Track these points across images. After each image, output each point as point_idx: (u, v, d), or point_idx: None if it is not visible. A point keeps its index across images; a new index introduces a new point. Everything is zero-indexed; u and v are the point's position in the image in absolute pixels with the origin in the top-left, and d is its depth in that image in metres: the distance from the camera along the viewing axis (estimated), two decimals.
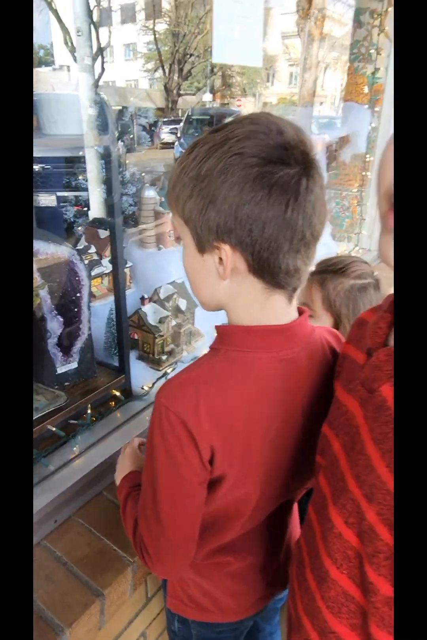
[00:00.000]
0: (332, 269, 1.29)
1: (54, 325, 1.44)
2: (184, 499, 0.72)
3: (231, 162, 0.61)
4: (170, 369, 1.73)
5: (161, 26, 23.71)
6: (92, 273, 1.76)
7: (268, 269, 0.66)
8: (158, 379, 1.71)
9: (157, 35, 23.34)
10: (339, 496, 0.60)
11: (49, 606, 1.05)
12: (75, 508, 1.31)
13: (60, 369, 1.51)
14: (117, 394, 1.60)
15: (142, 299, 1.71)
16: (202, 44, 22.66)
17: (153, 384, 1.68)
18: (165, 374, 1.72)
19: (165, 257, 2.00)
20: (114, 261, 1.45)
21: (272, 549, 0.95)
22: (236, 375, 0.70)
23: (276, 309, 0.70)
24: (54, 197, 5.21)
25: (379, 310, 0.65)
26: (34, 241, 1.35)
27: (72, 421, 1.44)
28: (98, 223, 1.79)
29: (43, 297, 1.38)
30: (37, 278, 1.32)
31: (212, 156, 0.63)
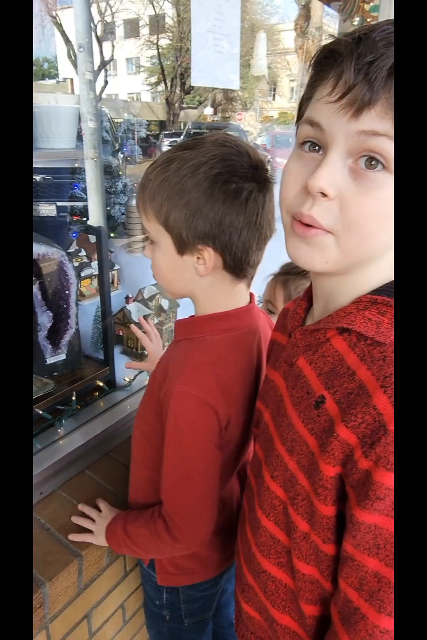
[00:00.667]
0: (294, 272, 1.44)
1: (44, 319, 1.58)
2: (213, 466, 0.84)
3: (215, 180, 0.75)
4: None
5: (164, 41, 24.07)
6: (82, 274, 1.92)
7: (239, 265, 0.82)
8: (140, 371, 1.85)
9: (160, 50, 23.68)
10: (269, 455, 0.74)
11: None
12: (59, 483, 1.44)
13: (50, 360, 1.65)
14: (102, 384, 1.74)
15: (127, 298, 1.86)
16: None
17: (135, 376, 1.83)
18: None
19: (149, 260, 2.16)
20: (99, 263, 1.60)
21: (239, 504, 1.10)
22: (231, 352, 0.85)
23: (240, 295, 0.88)
24: (53, 207, 5.37)
25: (297, 299, 0.80)
26: None
27: (58, 407, 1.58)
28: (89, 229, 1.95)
29: (34, 293, 1.53)
30: None
31: (196, 173, 0.76)
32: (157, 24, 24.20)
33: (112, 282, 2.14)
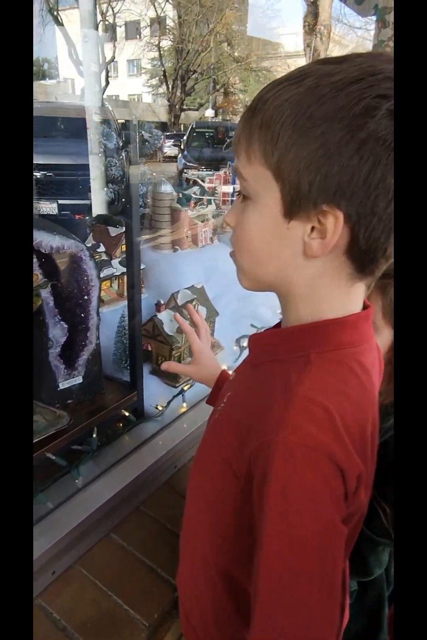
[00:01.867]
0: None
1: (57, 333, 1.22)
2: (338, 551, 0.50)
3: (373, 104, 0.44)
4: (188, 385, 1.51)
5: (165, 43, 23.94)
6: (101, 275, 1.55)
7: (372, 252, 0.50)
8: (174, 396, 1.49)
9: (161, 52, 23.55)
10: None
11: None
12: (77, 555, 1.08)
13: (63, 384, 1.29)
14: (128, 414, 1.38)
15: (158, 305, 1.50)
16: (205, 61, 22.87)
17: (168, 402, 1.46)
18: (182, 391, 1.50)
19: (181, 259, 1.79)
20: (129, 259, 1.24)
21: None
22: (353, 379, 0.54)
23: (355, 301, 0.57)
24: (55, 205, 5.04)
25: None
26: (36, 232, 1.14)
27: (75, 447, 1.22)
28: (108, 220, 1.59)
29: (45, 298, 1.16)
30: (38, 275, 1.11)
31: (344, 92, 0.46)
32: (158, 25, 24.11)
33: None
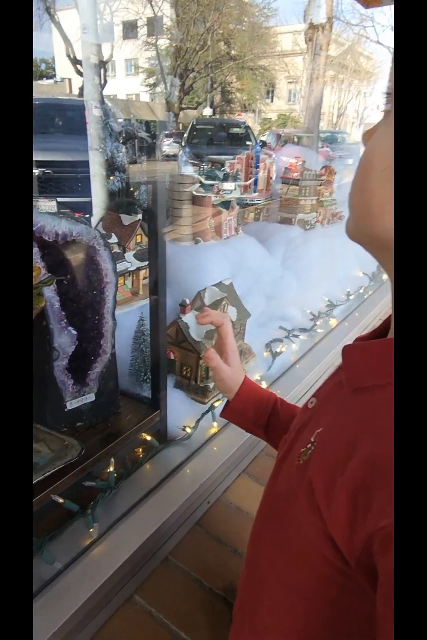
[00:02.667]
0: None
1: (64, 341, 0.98)
2: None
3: None
4: (218, 400, 1.27)
5: (162, 42, 23.76)
6: None
7: None
8: (203, 414, 1.25)
9: (159, 51, 23.41)
10: None
11: None
12: (93, 630, 0.84)
13: (71, 404, 1.05)
14: (149, 438, 1.14)
15: (183, 305, 1.25)
16: (203, 60, 22.70)
17: (197, 422, 1.22)
18: (211, 408, 1.26)
19: (204, 252, 1.55)
20: (152, 248, 1.00)
21: None
22: None
23: None
24: (54, 203, 4.84)
25: None
26: (38, 215, 0.90)
27: (87, 483, 0.97)
28: (125, 207, 1.35)
29: (49, 299, 0.92)
30: (40, 268, 0.87)
31: None
32: (155, 24, 23.99)
33: None
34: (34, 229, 0.86)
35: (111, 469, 1.00)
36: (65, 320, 0.97)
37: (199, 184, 1.59)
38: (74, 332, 0.99)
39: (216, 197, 1.62)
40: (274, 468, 0.57)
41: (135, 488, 1.04)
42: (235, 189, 1.71)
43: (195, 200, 1.55)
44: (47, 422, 1.02)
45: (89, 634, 0.83)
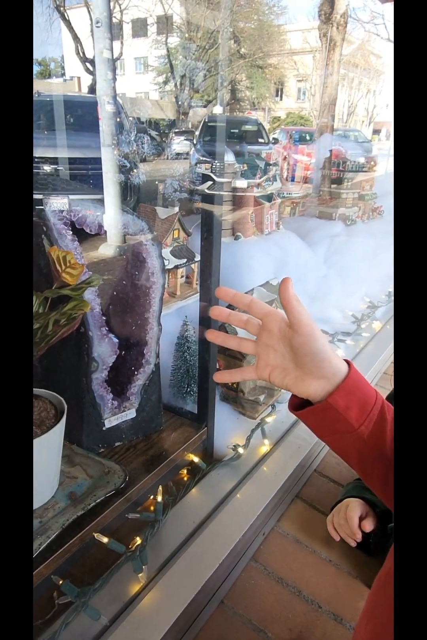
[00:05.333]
0: None
1: (104, 350, 0.85)
2: None
3: None
4: (270, 415, 1.13)
5: (172, 40, 23.73)
6: None
7: None
8: (253, 431, 1.11)
9: (168, 49, 23.41)
10: None
11: None
12: None
13: (110, 421, 0.92)
14: (196, 460, 1.00)
15: (230, 308, 1.12)
16: (212, 58, 22.62)
17: (248, 439, 1.08)
18: (261, 423, 1.12)
19: (245, 249, 1.41)
20: (206, 240, 0.87)
21: None
22: None
23: None
24: (65, 201, 4.78)
25: None
26: (78, 201, 0.77)
27: (131, 515, 0.84)
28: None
29: (90, 302, 0.79)
30: (83, 265, 0.74)
31: None
32: (165, 22, 24.01)
33: (190, 282, 1.38)
34: (75, 219, 0.73)
35: (160, 499, 0.86)
36: (106, 327, 0.84)
37: (239, 175, 1.44)
38: (116, 340, 0.86)
39: (258, 189, 1.48)
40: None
41: (183, 519, 0.90)
42: (277, 180, 1.57)
43: (237, 192, 1.42)
44: (83, 443, 0.89)
45: None
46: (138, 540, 0.81)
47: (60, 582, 0.71)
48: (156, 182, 2.41)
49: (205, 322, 0.94)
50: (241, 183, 1.42)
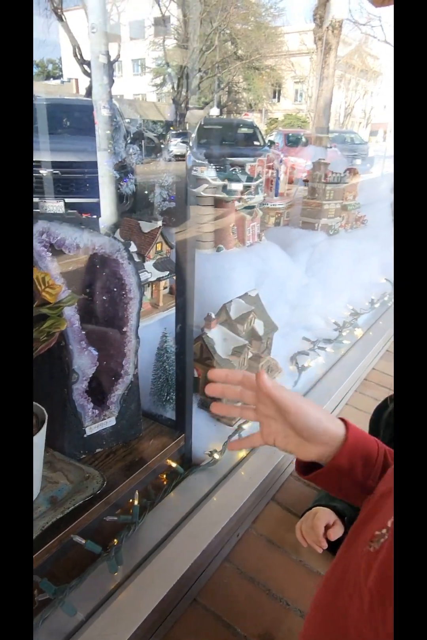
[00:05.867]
0: None
1: (84, 363, 0.90)
2: None
3: None
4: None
5: (170, 42, 23.76)
6: None
7: None
8: (230, 437, 1.16)
9: (166, 51, 23.44)
10: None
11: None
12: None
13: (91, 429, 0.97)
14: (174, 465, 1.06)
15: (208, 319, 1.17)
16: (209, 60, 22.67)
17: (224, 445, 1.14)
18: (239, 430, 1.17)
19: (227, 260, 1.47)
20: (180, 257, 0.92)
21: None
22: None
23: None
24: (61, 204, 4.80)
25: None
26: (57, 226, 0.82)
27: (109, 518, 0.89)
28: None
29: (69, 317, 0.84)
30: (61, 286, 0.79)
31: None
32: (163, 24, 24.04)
33: (173, 294, 1.44)
34: (54, 242, 0.78)
35: (136, 503, 0.91)
36: (85, 341, 0.89)
37: (222, 189, 1.50)
38: (95, 353, 0.91)
39: (239, 202, 1.53)
40: (345, 541, 0.47)
41: (159, 522, 0.95)
42: (259, 193, 1.63)
43: (218, 206, 1.47)
44: (65, 449, 0.94)
45: None
46: (114, 542, 0.86)
47: (40, 580, 0.76)
48: (145, 192, 2.46)
49: (181, 332, 0.99)
50: (237, 186, 1.47)
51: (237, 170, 1.60)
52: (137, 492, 0.93)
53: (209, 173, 1.43)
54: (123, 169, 2.52)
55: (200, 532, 0.95)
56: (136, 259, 1.31)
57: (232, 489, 1.07)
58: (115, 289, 0.91)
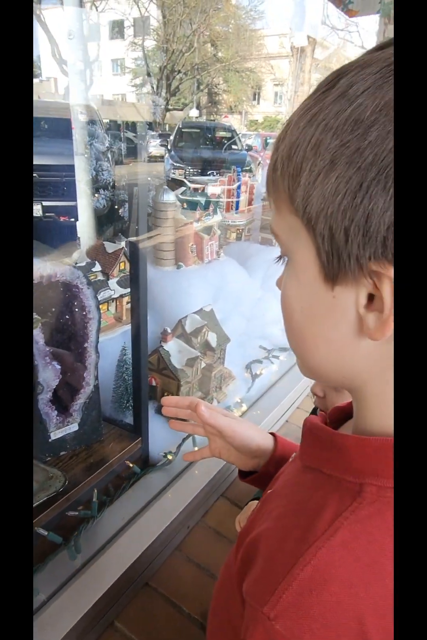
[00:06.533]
0: None
1: (48, 376, 1.01)
2: None
3: None
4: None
5: (149, 43, 23.74)
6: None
7: None
8: (184, 440, 1.29)
9: (145, 52, 23.40)
10: None
11: None
12: None
13: (55, 434, 1.08)
14: (131, 465, 1.18)
15: (164, 334, 1.30)
16: (188, 61, 22.73)
17: (178, 447, 1.26)
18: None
19: (186, 277, 1.59)
20: (134, 278, 1.05)
21: None
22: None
23: None
24: (39, 207, 4.83)
25: None
26: None
27: (70, 513, 1.01)
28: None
29: (34, 336, 0.96)
30: None
31: (390, 82, 0.30)
32: (142, 25, 23.98)
33: None
34: None
35: (95, 500, 1.03)
36: (48, 357, 1.01)
37: (180, 211, 1.63)
38: (58, 367, 1.03)
39: (198, 223, 1.66)
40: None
41: (117, 516, 1.08)
42: (217, 213, 1.76)
43: (177, 226, 1.60)
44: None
45: None
46: (74, 533, 0.98)
47: None
48: (115, 206, 2.57)
49: (136, 344, 1.11)
50: (180, 218, 1.60)
51: (197, 192, 1.72)
52: (95, 490, 1.04)
53: (168, 196, 1.55)
54: (95, 184, 2.61)
55: (153, 524, 1.07)
56: (101, 277, 1.43)
57: (184, 486, 1.20)
58: (76, 311, 1.03)
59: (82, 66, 3.37)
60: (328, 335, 0.36)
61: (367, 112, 0.30)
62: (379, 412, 0.37)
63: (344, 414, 0.48)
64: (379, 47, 0.34)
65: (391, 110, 0.29)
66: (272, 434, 0.65)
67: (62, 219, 4.18)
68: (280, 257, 0.42)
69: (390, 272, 0.29)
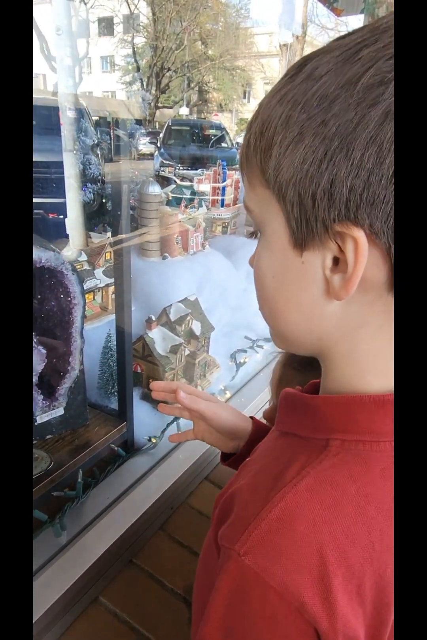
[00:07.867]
0: None
1: (34, 360, 1.04)
2: None
3: (388, 68, 0.32)
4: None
5: (139, 40, 23.67)
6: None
7: None
8: (168, 425, 1.32)
9: (135, 49, 23.31)
10: None
11: None
12: (61, 630, 0.90)
13: (41, 418, 1.11)
14: (116, 448, 1.21)
15: (149, 321, 1.33)
16: (179, 59, 22.71)
17: (162, 432, 1.30)
18: (177, 418, 1.33)
19: (171, 268, 1.62)
20: (118, 268, 1.07)
21: None
22: (370, 491, 0.37)
23: None
24: None
25: None
26: None
27: (56, 493, 1.04)
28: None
29: None
30: None
31: (350, 62, 0.34)
32: (132, 22, 23.90)
33: None
34: None
35: (79, 480, 1.06)
36: (35, 340, 1.03)
37: (166, 202, 1.66)
38: (44, 351, 1.05)
39: (183, 215, 1.69)
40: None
41: (102, 496, 1.10)
42: (202, 206, 1.79)
43: (162, 219, 1.63)
44: None
45: (57, 635, 0.89)
46: (59, 513, 1.01)
47: None
48: (103, 200, 2.58)
49: (120, 331, 1.14)
50: (165, 210, 1.63)
51: (183, 184, 1.75)
52: (80, 471, 1.07)
53: (154, 188, 1.58)
54: (83, 178, 2.63)
55: (137, 504, 1.10)
56: (87, 267, 1.46)
57: (168, 469, 1.23)
58: (61, 296, 1.05)
59: (70, 62, 3.38)
60: (299, 299, 0.39)
61: (331, 88, 0.34)
62: (345, 373, 0.40)
63: (319, 387, 0.53)
64: (341, 37, 0.38)
65: (351, 85, 0.33)
66: (251, 417, 0.69)
67: (51, 215, 4.18)
68: (253, 233, 0.46)
69: (352, 231, 0.33)
